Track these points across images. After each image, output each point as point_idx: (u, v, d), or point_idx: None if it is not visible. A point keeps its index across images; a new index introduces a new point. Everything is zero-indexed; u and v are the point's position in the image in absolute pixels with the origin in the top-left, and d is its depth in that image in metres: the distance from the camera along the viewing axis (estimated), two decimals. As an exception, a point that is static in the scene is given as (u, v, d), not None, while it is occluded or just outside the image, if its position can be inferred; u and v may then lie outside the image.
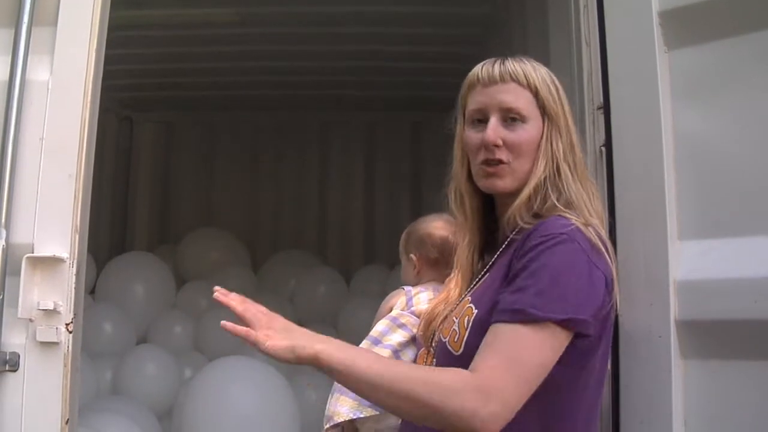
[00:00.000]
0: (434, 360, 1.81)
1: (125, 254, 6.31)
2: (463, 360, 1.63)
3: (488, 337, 1.59)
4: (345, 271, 6.54)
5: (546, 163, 1.73)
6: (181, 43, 5.42)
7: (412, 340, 2.14)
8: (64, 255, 2.11)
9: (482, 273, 1.83)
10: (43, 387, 2.06)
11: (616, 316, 1.92)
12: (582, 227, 1.65)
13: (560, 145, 1.74)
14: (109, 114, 6.79)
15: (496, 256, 1.80)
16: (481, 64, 1.81)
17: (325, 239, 7.29)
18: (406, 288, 2.31)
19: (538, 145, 1.74)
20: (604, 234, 1.72)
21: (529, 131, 1.74)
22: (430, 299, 2.19)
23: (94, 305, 5.26)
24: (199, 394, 4.13)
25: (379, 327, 2.20)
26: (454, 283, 1.89)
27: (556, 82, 1.79)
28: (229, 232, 6.78)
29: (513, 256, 1.67)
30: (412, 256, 2.40)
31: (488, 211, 1.87)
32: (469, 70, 1.83)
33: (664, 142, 1.99)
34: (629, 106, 2.09)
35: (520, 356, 1.54)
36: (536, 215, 1.71)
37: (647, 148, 2.02)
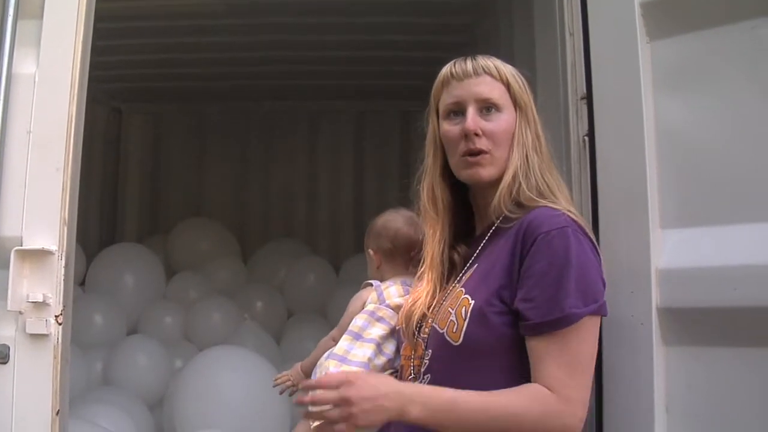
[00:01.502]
0: (427, 351, 1.84)
1: (115, 245, 6.30)
2: (462, 349, 1.73)
3: (538, 353, 1.68)
4: (334, 261, 6.55)
5: (519, 152, 1.81)
6: (170, 34, 5.40)
7: (391, 333, 2.16)
8: (53, 247, 2.12)
9: (470, 263, 1.87)
10: (34, 379, 2.07)
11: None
12: (570, 215, 1.75)
13: (529, 135, 1.83)
14: (98, 105, 6.76)
15: (482, 244, 1.85)
16: (451, 62, 1.89)
17: (314, 229, 7.29)
18: (375, 283, 2.32)
19: (513, 134, 1.82)
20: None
21: (505, 120, 1.83)
22: (400, 294, 2.22)
23: (84, 296, 5.26)
24: (189, 383, 4.14)
25: (358, 322, 2.21)
26: (426, 279, 1.94)
27: (521, 77, 1.89)
28: (218, 222, 6.78)
29: (514, 250, 1.73)
30: (370, 250, 2.44)
31: (459, 204, 1.94)
32: (455, 57, 1.88)
33: (646, 132, 2.00)
34: (611, 96, 2.10)
35: (578, 359, 1.67)
36: (518, 204, 1.79)
37: (629, 137, 2.03)
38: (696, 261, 1.89)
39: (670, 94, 2.01)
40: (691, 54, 1.99)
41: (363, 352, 2.13)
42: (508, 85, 1.84)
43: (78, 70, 2.20)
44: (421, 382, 1.82)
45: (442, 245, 1.92)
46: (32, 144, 2.16)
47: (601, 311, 1.71)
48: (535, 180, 1.81)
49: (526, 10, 3.16)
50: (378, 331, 2.17)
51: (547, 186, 1.82)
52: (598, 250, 1.78)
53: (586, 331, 1.67)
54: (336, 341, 2.24)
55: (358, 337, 2.17)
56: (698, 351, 1.89)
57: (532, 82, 1.92)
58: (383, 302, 2.23)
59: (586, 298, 1.67)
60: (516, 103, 1.84)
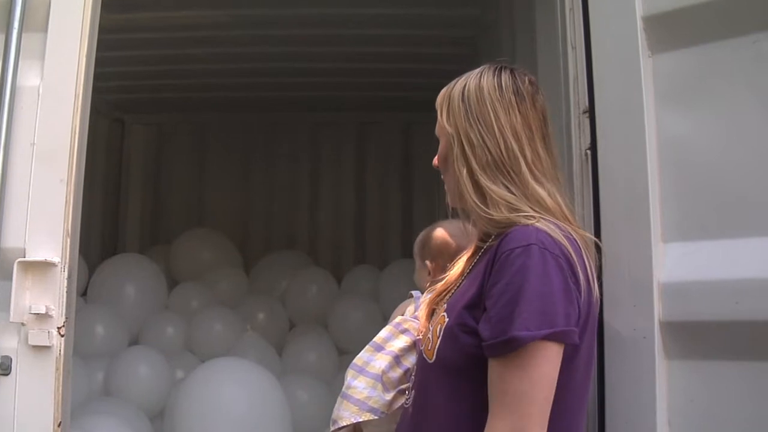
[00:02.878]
0: (414, 367, 1.87)
1: (117, 256, 6.29)
2: (436, 368, 1.70)
3: (490, 376, 1.59)
4: (336, 272, 6.54)
5: (457, 172, 1.75)
6: (173, 46, 5.40)
7: (414, 345, 2.15)
8: (56, 259, 2.13)
9: (461, 283, 1.85)
10: (36, 390, 2.08)
11: (601, 317, 1.96)
12: (547, 229, 1.63)
13: (462, 151, 1.74)
14: (101, 116, 6.76)
15: (471, 266, 1.83)
16: None
17: (316, 240, 7.29)
18: (416, 294, 2.29)
19: (447, 158, 1.80)
20: (570, 229, 1.68)
21: (440, 146, 1.83)
22: None
23: (86, 307, 5.25)
24: (190, 395, 4.13)
25: (383, 333, 2.19)
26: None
27: (471, 85, 1.78)
28: (220, 233, 6.77)
29: (485, 272, 1.66)
30: (427, 262, 2.41)
31: None
32: (460, 70, 1.86)
33: (648, 145, 2.01)
34: (614, 110, 2.10)
35: (515, 389, 1.54)
36: (495, 222, 1.71)
37: (631, 151, 2.04)
38: (698, 274, 1.89)
39: (672, 108, 2.01)
40: (693, 68, 1.99)
41: (379, 363, 2.12)
42: (442, 110, 1.81)
43: (82, 83, 2.22)
44: (408, 398, 1.86)
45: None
46: (36, 156, 2.17)
47: (561, 338, 1.55)
48: (492, 196, 1.70)
49: (528, 23, 3.17)
50: (400, 343, 2.14)
51: (505, 199, 1.69)
52: (577, 272, 1.60)
53: (534, 359, 1.53)
54: None
55: (379, 348, 2.17)
56: (701, 365, 1.88)
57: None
58: (416, 313, 2.22)
59: (541, 322, 1.53)
60: (452, 121, 1.78)
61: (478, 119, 1.74)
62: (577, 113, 2.24)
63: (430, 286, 2.32)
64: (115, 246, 7.14)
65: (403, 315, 2.27)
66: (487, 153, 1.71)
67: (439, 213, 7.17)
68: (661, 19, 2.03)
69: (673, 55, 2.02)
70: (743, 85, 1.92)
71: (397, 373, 2.12)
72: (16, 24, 2.19)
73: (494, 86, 1.76)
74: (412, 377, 1.95)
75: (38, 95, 2.19)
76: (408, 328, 2.19)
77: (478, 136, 1.72)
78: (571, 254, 1.61)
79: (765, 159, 1.86)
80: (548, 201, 1.70)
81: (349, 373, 2.14)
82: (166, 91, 6.56)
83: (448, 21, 4.97)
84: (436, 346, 1.70)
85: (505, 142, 1.71)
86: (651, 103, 2.03)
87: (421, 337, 1.91)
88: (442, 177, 1.84)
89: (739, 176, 1.89)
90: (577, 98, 2.24)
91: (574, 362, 1.63)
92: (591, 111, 2.17)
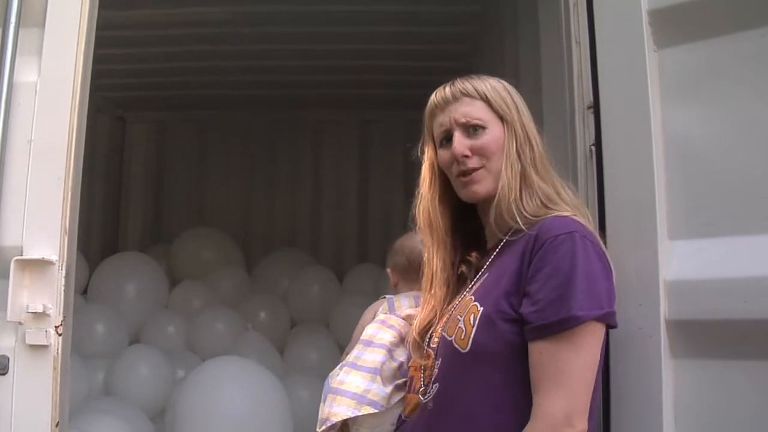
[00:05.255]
0: (437, 360, 1.84)
1: (117, 254, 6.26)
2: (470, 357, 1.72)
3: (533, 357, 1.66)
4: (338, 271, 6.52)
5: (511, 164, 1.82)
6: (174, 43, 5.40)
7: (401, 341, 2.15)
8: (54, 257, 2.11)
9: (480, 274, 1.88)
10: (33, 390, 2.06)
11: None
12: (579, 219, 1.76)
13: (515, 145, 1.85)
14: (102, 113, 6.77)
15: (491, 258, 1.87)
16: (434, 93, 1.96)
17: (318, 239, 7.27)
18: (387, 297, 2.35)
19: (503, 146, 1.85)
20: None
21: (491, 133, 1.86)
22: (411, 305, 2.24)
23: (86, 305, 5.24)
24: (191, 394, 4.12)
25: (369, 330, 2.22)
26: (429, 303, 1.98)
27: (508, 87, 1.93)
28: (222, 231, 6.75)
29: (523, 259, 1.72)
30: (388, 269, 2.48)
31: (459, 225, 1.99)
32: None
33: (654, 141, 1.98)
34: (619, 106, 2.08)
35: (570, 368, 1.62)
36: (524, 217, 1.78)
37: (637, 147, 2.01)
38: (705, 272, 1.87)
39: (678, 103, 1.99)
40: (699, 63, 1.97)
41: (373, 357, 2.12)
42: (488, 101, 1.87)
43: (80, 79, 2.20)
44: (428, 391, 1.83)
45: (440, 266, 1.97)
46: (33, 153, 2.16)
47: (607, 319, 1.67)
48: (535, 190, 1.81)
49: (531, 19, 3.15)
50: (388, 336, 2.17)
51: (547, 195, 1.82)
52: (609, 260, 1.75)
53: (586, 338, 1.64)
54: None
55: (369, 344, 2.17)
56: (708, 364, 1.86)
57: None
58: (394, 312, 2.23)
59: (591, 303, 1.63)
60: (500, 116, 1.87)
61: (526, 116, 1.90)
62: (582, 109, 2.21)
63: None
64: (116, 244, 7.14)
65: (377, 313, 2.31)
66: (536, 150, 1.86)
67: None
68: (667, 13, 2.01)
69: (680, 49, 1.99)
70: (750, 79, 1.90)
71: (392, 366, 2.11)
72: (13, 19, 2.18)
73: (504, 85, 1.93)
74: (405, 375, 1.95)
75: (35, 92, 2.18)
76: (393, 324, 2.20)
77: (529, 131, 1.87)
78: (600, 243, 1.75)
79: (774, 154, 1.83)
80: (574, 195, 1.88)
81: (342, 371, 2.12)
82: (167, 88, 6.55)
83: (450, 17, 4.97)
84: (471, 335, 1.73)
85: (539, 142, 1.88)
86: (657, 99, 2.00)
87: (416, 340, 1.94)
88: (473, 168, 1.85)
89: (747, 172, 1.86)
90: (582, 94, 2.21)
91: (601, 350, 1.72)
92: (596, 106, 2.15)
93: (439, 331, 1.87)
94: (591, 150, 2.15)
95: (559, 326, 1.62)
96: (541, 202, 1.80)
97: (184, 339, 5.48)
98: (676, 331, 1.89)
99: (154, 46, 5.47)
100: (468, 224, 1.99)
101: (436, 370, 1.84)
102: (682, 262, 1.91)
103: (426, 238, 2.00)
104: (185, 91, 6.61)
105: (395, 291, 2.43)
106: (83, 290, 5.50)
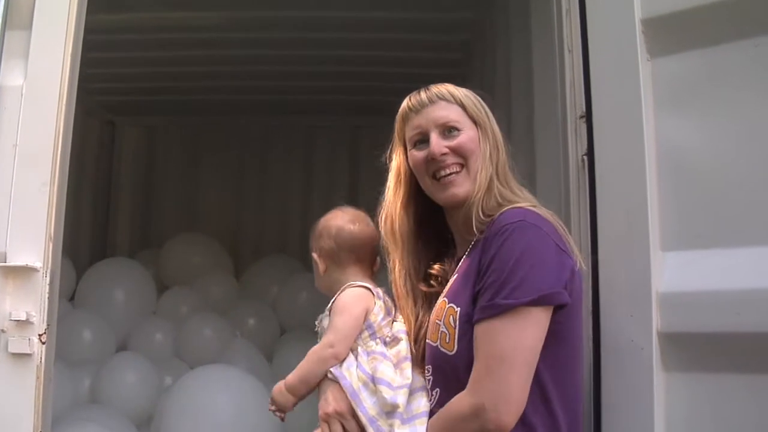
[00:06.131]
0: (428, 367, 1.86)
1: (105, 260, 6.20)
2: (459, 358, 1.74)
3: (474, 340, 1.70)
4: (328, 278, 6.47)
5: (486, 167, 1.87)
6: (164, 47, 5.36)
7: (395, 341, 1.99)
8: (38, 264, 2.09)
9: (453, 275, 1.89)
10: (15, 399, 2.04)
11: (597, 327, 1.94)
12: (535, 209, 1.78)
13: (488, 149, 1.89)
14: (91, 118, 6.71)
15: (461, 260, 1.89)
16: (406, 98, 2.02)
17: (308, 245, 7.21)
18: (375, 291, 2.06)
19: (478, 147, 1.89)
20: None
21: (467, 134, 1.91)
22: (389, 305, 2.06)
23: (73, 312, 5.20)
24: (178, 402, 4.09)
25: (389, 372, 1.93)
26: (403, 316, 1.99)
27: (477, 95, 1.97)
28: (212, 237, 6.71)
29: (481, 257, 1.77)
30: (313, 254, 2.25)
31: (422, 231, 2.01)
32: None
33: (647, 151, 1.98)
34: (611, 115, 2.07)
35: (504, 351, 1.65)
36: (482, 217, 1.82)
37: (630, 157, 2.01)
38: (698, 284, 1.86)
39: (671, 113, 1.98)
40: (693, 72, 1.96)
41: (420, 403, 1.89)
42: (463, 106, 1.92)
43: (66, 83, 2.18)
44: (432, 397, 1.84)
45: (404, 275, 1.99)
46: (19, 158, 2.13)
47: (546, 301, 1.67)
48: (498, 190, 1.85)
49: (523, 26, 3.14)
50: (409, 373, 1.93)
51: (503, 195, 1.85)
52: (566, 244, 1.76)
53: (520, 325, 1.65)
54: (335, 350, 1.99)
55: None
56: (700, 378, 1.85)
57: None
58: (389, 314, 2.03)
59: (521, 288, 1.66)
60: (474, 120, 1.92)
61: (494, 121, 1.94)
62: (574, 118, 2.20)
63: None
64: (104, 250, 7.08)
65: (369, 310, 2.02)
66: (501, 156, 1.90)
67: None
68: (660, 22, 2.01)
69: (673, 58, 1.99)
70: (745, 89, 1.89)
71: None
72: (-1, 21, 2.15)
73: (473, 93, 1.99)
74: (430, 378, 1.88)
75: (21, 95, 2.16)
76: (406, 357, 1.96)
77: (498, 138, 1.92)
78: (559, 230, 1.77)
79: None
80: (532, 198, 1.88)
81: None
82: (157, 93, 6.50)
83: (442, 25, 4.95)
84: (455, 337, 1.76)
85: (503, 149, 1.92)
86: (650, 108, 2.00)
87: (429, 338, 1.87)
88: (450, 165, 1.88)
89: (741, 183, 1.86)
90: (574, 103, 2.20)
91: (570, 327, 1.75)
92: (588, 116, 2.14)
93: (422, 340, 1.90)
94: (583, 160, 2.14)
95: (489, 311, 1.66)
96: (498, 202, 1.83)
97: (172, 346, 5.43)
98: (668, 344, 1.88)
99: (145, 51, 5.42)
100: (431, 230, 2.01)
101: (430, 377, 1.85)
102: (675, 273, 1.90)
103: (390, 245, 2.01)
104: (176, 95, 6.56)
105: (326, 280, 2.21)
106: (70, 296, 5.46)
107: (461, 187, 1.87)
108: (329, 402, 1.93)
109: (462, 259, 1.89)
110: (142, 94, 6.55)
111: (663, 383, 1.88)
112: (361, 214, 2.20)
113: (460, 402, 1.69)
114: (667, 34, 1.99)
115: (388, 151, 2.08)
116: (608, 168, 2.06)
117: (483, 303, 1.69)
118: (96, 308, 5.33)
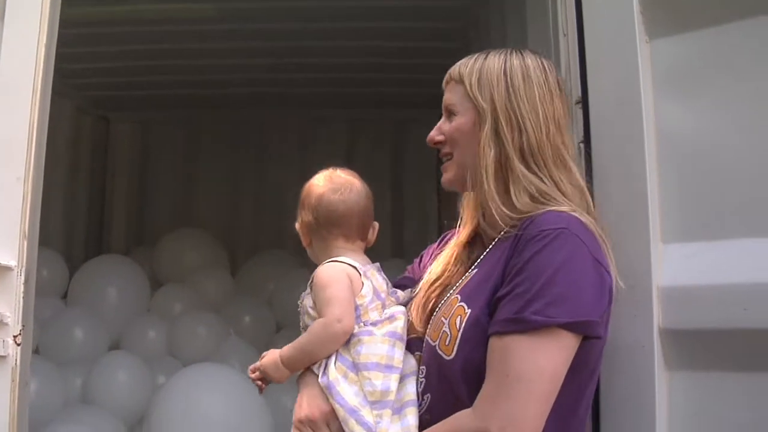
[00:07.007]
0: (422, 368, 1.73)
1: (98, 257, 6.21)
2: (454, 365, 1.61)
3: (488, 354, 1.55)
4: (324, 274, 6.44)
5: (480, 153, 1.71)
6: (158, 41, 5.36)
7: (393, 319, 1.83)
8: (12, 263, 2.05)
9: (470, 271, 1.76)
10: (-11, 403, 2.00)
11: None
12: (579, 216, 1.62)
13: (498, 133, 1.70)
14: (84, 114, 6.71)
15: (483, 255, 1.76)
16: None
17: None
18: (361, 268, 1.89)
19: (469, 135, 1.74)
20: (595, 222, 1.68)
21: (457, 121, 1.77)
22: (382, 289, 1.90)
23: (66, 310, 5.17)
24: (170, 401, 4.09)
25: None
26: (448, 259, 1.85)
27: (512, 68, 1.73)
28: (207, 233, 6.70)
29: (509, 255, 1.61)
30: (296, 224, 2.06)
31: None
32: (450, 64, 1.84)
33: (646, 137, 1.90)
34: (608, 100, 2.00)
35: (524, 371, 1.50)
36: (510, 215, 1.67)
37: (628, 144, 1.94)
38: (701, 278, 1.80)
39: (671, 97, 1.91)
40: (693, 54, 1.89)
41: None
42: (465, 86, 1.75)
43: (41, 75, 2.13)
44: (421, 402, 1.71)
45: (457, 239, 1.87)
46: (-9, 152, 2.08)
47: (577, 329, 1.52)
48: (522, 183, 1.67)
49: (518, 13, 3.13)
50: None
51: (538, 188, 1.67)
52: (607, 266, 1.61)
53: (548, 347, 1.50)
54: (344, 324, 1.77)
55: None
56: (704, 376, 1.79)
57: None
58: (379, 297, 1.86)
59: (564, 309, 1.50)
60: (473, 103, 1.74)
61: (523, 99, 1.71)
62: (570, 104, 2.12)
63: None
64: (99, 247, 7.10)
65: (359, 293, 1.84)
66: (526, 137, 1.69)
67: (430, 211, 7.12)
68: (659, 2, 1.93)
69: (673, 40, 1.91)
70: (748, 72, 1.82)
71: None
72: (-30, 12, 2.09)
73: (541, 69, 1.75)
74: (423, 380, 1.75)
75: (-6, 87, 2.09)
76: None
77: (520, 117, 1.70)
78: (600, 243, 1.62)
79: (772, 151, 1.76)
80: (580, 193, 1.71)
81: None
82: (151, 87, 6.51)
83: (437, 14, 4.91)
84: (456, 341, 1.62)
85: (547, 129, 1.70)
86: (649, 92, 1.92)
87: (429, 334, 1.75)
88: (444, 153, 1.81)
89: (745, 171, 1.79)
90: (569, 88, 2.12)
91: (593, 363, 1.63)
92: (584, 102, 2.06)
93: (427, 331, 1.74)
94: (579, 148, 2.06)
95: (514, 325, 1.51)
96: (531, 196, 1.66)
97: (166, 344, 5.43)
98: (671, 341, 1.82)
99: (136, 44, 5.41)
100: None
101: (423, 380, 1.72)
102: (677, 267, 1.83)
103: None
104: (170, 90, 6.56)
105: (311, 252, 2.04)
106: (63, 294, 5.44)
107: (447, 174, 1.81)
108: (302, 406, 1.79)
109: (485, 254, 1.74)
110: (136, 88, 6.55)
111: (665, 382, 1.81)
112: (348, 180, 2.01)
113: (460, 423, 1.55)
114: (667, 15, 1.91)
115: None
116: (605, 156, 1.99)
117: (508, 314, 1.52)
118: (89, 306, 5.32)
